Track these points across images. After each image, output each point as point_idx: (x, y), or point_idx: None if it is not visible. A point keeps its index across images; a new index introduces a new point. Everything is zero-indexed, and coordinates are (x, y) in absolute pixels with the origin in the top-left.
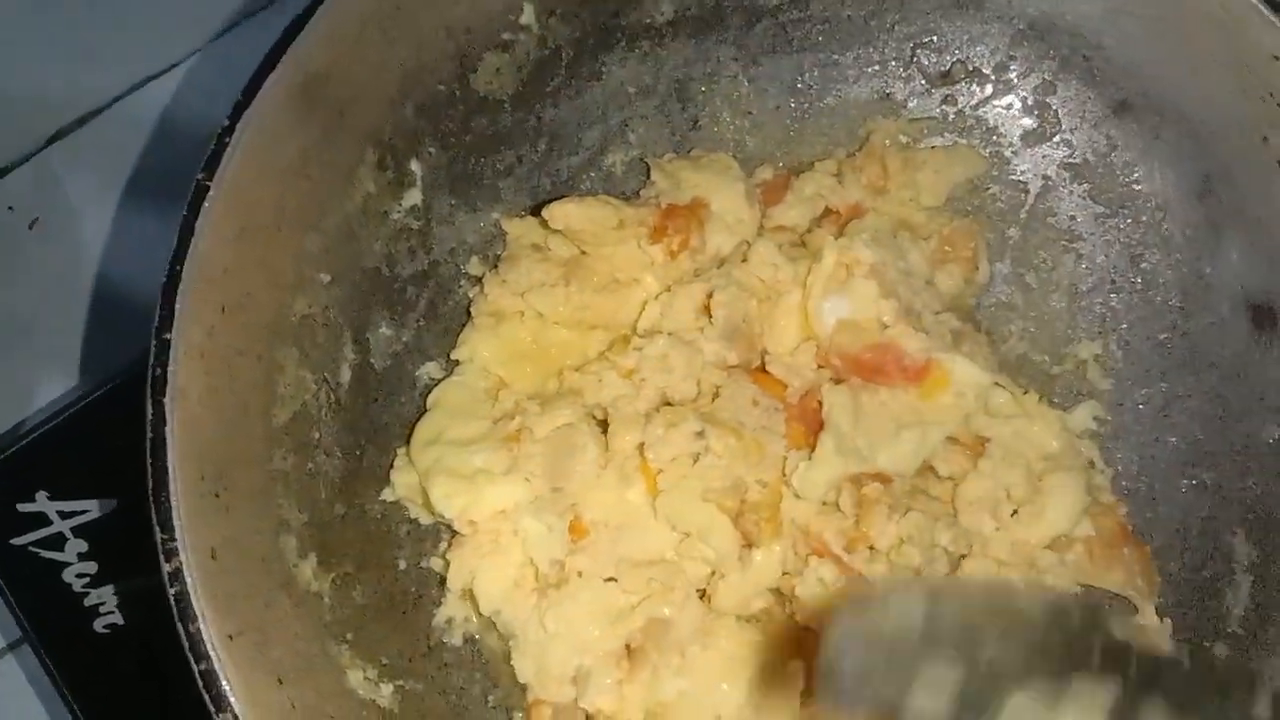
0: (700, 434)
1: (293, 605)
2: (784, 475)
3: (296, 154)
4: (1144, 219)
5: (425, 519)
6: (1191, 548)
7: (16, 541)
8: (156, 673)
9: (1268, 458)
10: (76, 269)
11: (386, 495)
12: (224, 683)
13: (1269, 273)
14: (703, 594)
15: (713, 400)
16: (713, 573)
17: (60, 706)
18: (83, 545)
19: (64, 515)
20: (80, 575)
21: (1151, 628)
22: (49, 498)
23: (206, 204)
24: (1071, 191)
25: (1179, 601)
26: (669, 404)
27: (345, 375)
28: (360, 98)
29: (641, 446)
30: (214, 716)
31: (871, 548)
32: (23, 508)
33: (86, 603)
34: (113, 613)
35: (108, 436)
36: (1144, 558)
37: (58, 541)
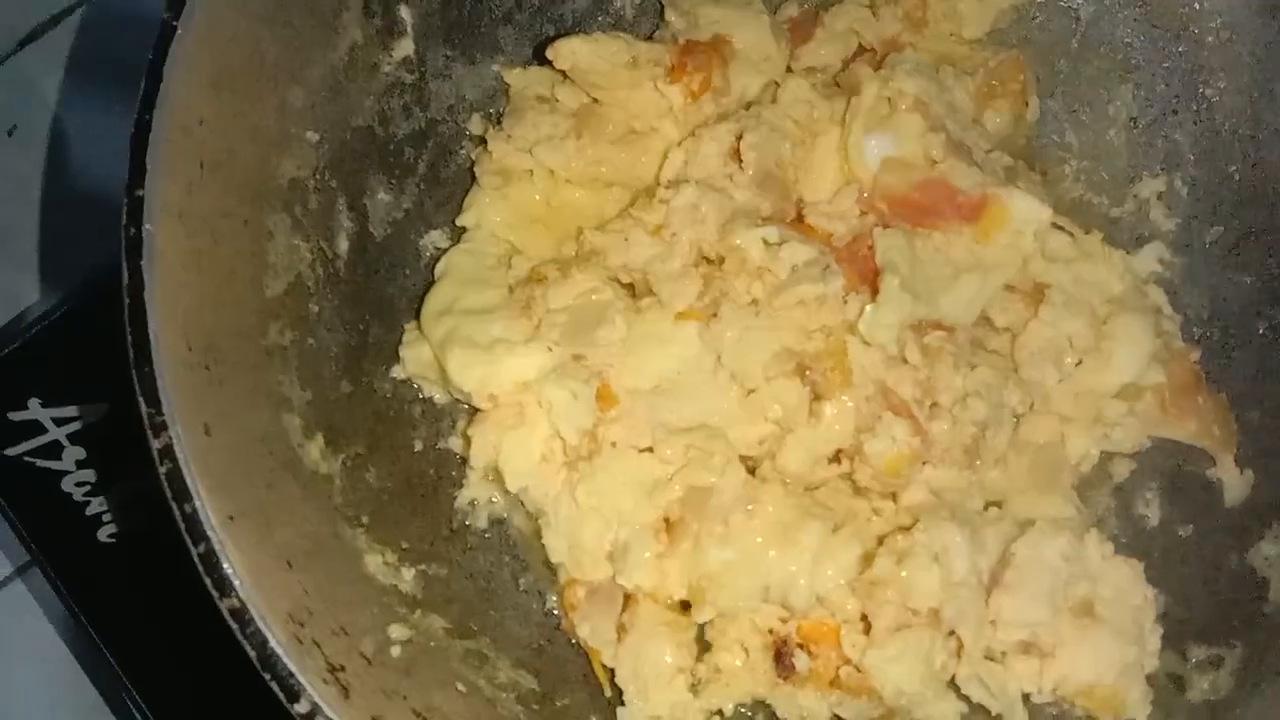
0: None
1: (299, 487)
2: (847, 323)
3: None
4: (1208, 40)
5: (440, 397)
6: (1271, 394)
7: (11, 452)
8: (166, 579)
9: None
10: (59, 173)
11: (396, 373)
12: (226, 565)
13: None
14: (751, 467)
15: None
16: (764, 440)
17: (72, 625)
18: (80, 452)
19: (59, 422)
20: (80, 484)
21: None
22: (42, 404)
23: (175, 47)
24: (1126, 15)
25: (1260, 451)
26: (707, 260)
27: (343, 245)
28: None
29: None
30: (218, 602)
31: (934, 404)
32: (15, 416)
33: (89, 512)
34: (114, 521)
35: (97, 339)
36: (1220, 406)
37: (54, 449)
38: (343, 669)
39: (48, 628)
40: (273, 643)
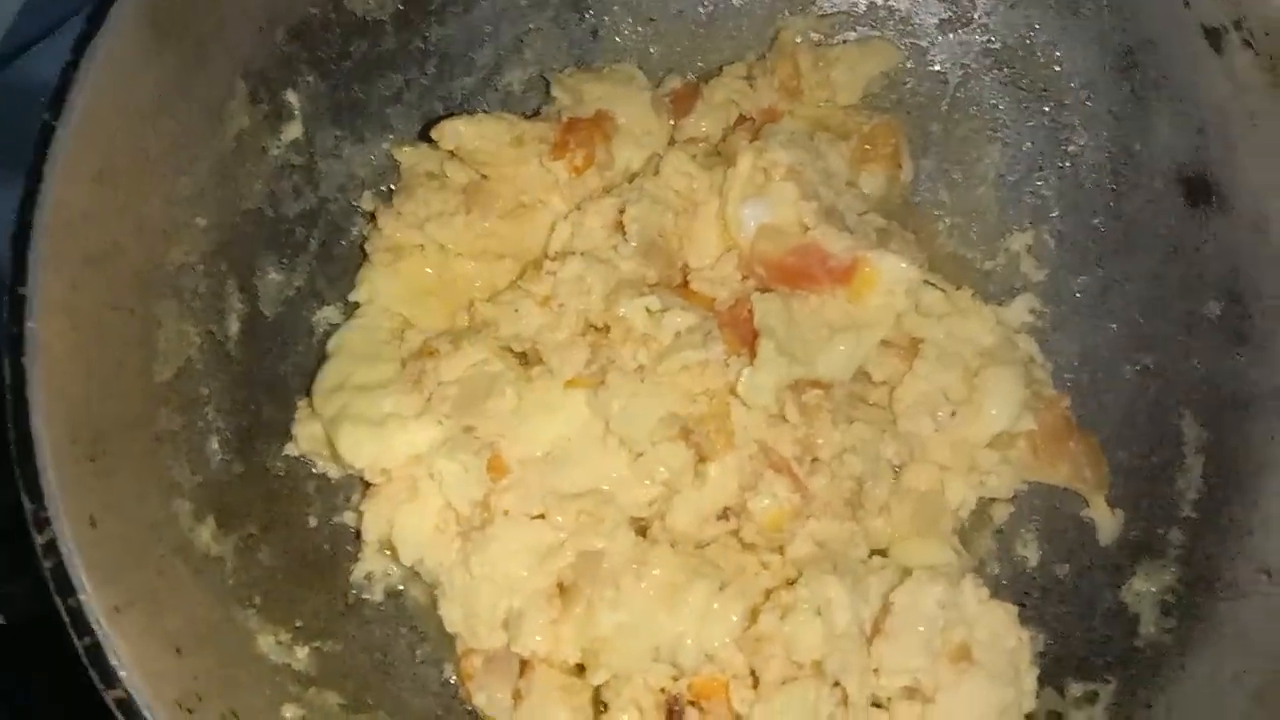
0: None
1: (190, 572)
2: (729, 385)
3: (154, 88)
4: (1068, 100)
5: (334, 472)
6: (1139, 435)
7: None
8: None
9: (1211, 334)
10: None
11: (289, 450)
12: (112, 658)
13: (1200, 142)
14: (641, 528)
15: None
16: (653, 502)
17: None
18: None
19: None
20: None
21: (1103, 520)
22: None
23: (55, 145)
24: (992, 79)
25: (1130, 491)
26: (594, 328)
27: (233, 326)
28: (223, 26)
29: (592, 357)
30: (104, 694)
31: (814, 460)
32: None
33: None
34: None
35: None
36: (1091, 449)
37: None
38: None
39: None
40: None
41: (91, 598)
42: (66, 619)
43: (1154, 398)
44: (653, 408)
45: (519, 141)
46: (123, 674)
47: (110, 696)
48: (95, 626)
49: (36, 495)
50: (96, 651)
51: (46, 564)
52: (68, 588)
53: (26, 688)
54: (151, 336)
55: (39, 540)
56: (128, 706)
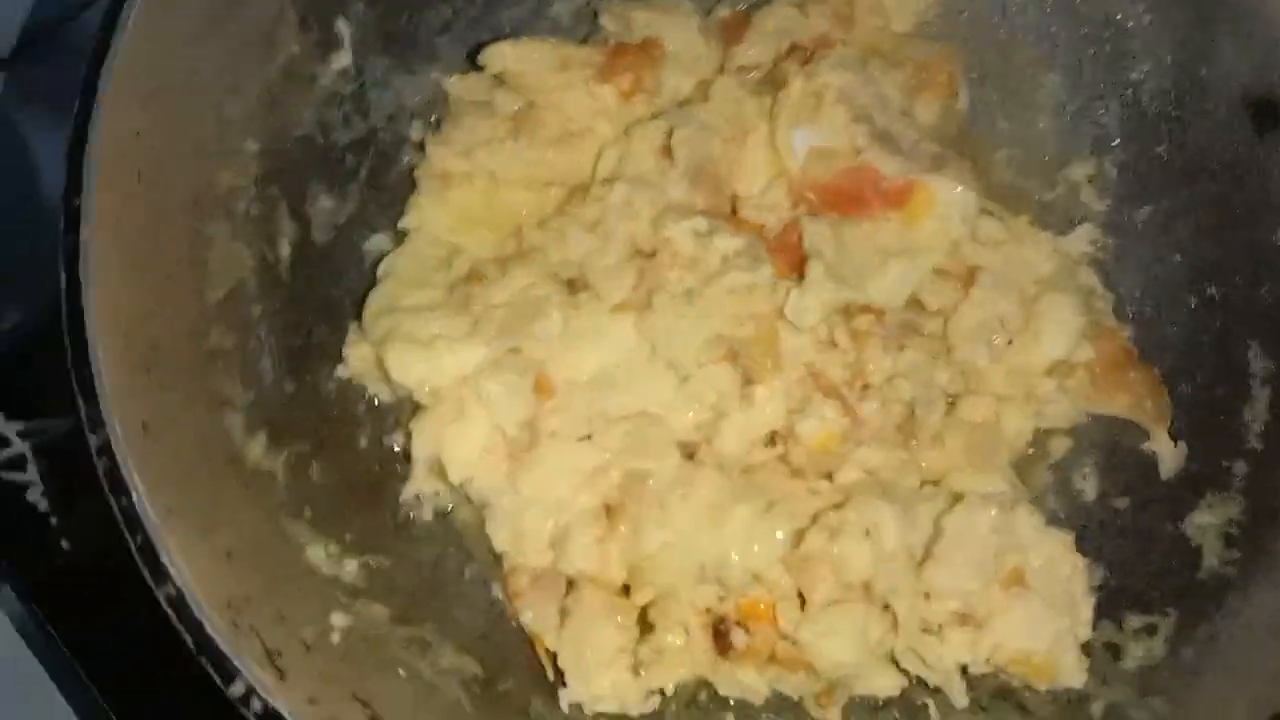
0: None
1: (241, 484)
2: (777, 309)
3: (205, 10)
4: (1130, 25)
5: (384, 395)
6: (1204, 366)
7: None
8: (130, 589)
9: (1278, 262)
10: (33, 201)
11: (341, 373)
12: (164, 556)
13: (1266, 64)
14: (689, 452)
15: None
16: (700, 426)
17: (38, 635)
18: (44, 464)
19: (23, 435)
20: (44, 494)
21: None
22: (7, 418)
23: (108, 64)
24: (1050, 5)
25: (1194, 424)
26: (641, 253)
27: (285, 250)
28: None
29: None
30: (156, 591)
31: (866, 386)
32: None
33: (52, 523)
34: (78, 531)
35: (62, 355)
36: (1152, 380)
37: (19, 462)
38: (280, 654)
39: (15, 638)
40: (209, 628)
41: (144, 498)
42: (120, 518)
43: (1219, 329)
44: (699, 330)
45: (565, 65)
46: (173, 571)
47: (162, 593)
48: (147, 525)
49: (91, 398)
50: (149, 550)
51: (100, 464)
52: (121, 488)
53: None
54: (203, 256)
55: (94, 442)
56: (178, 602)
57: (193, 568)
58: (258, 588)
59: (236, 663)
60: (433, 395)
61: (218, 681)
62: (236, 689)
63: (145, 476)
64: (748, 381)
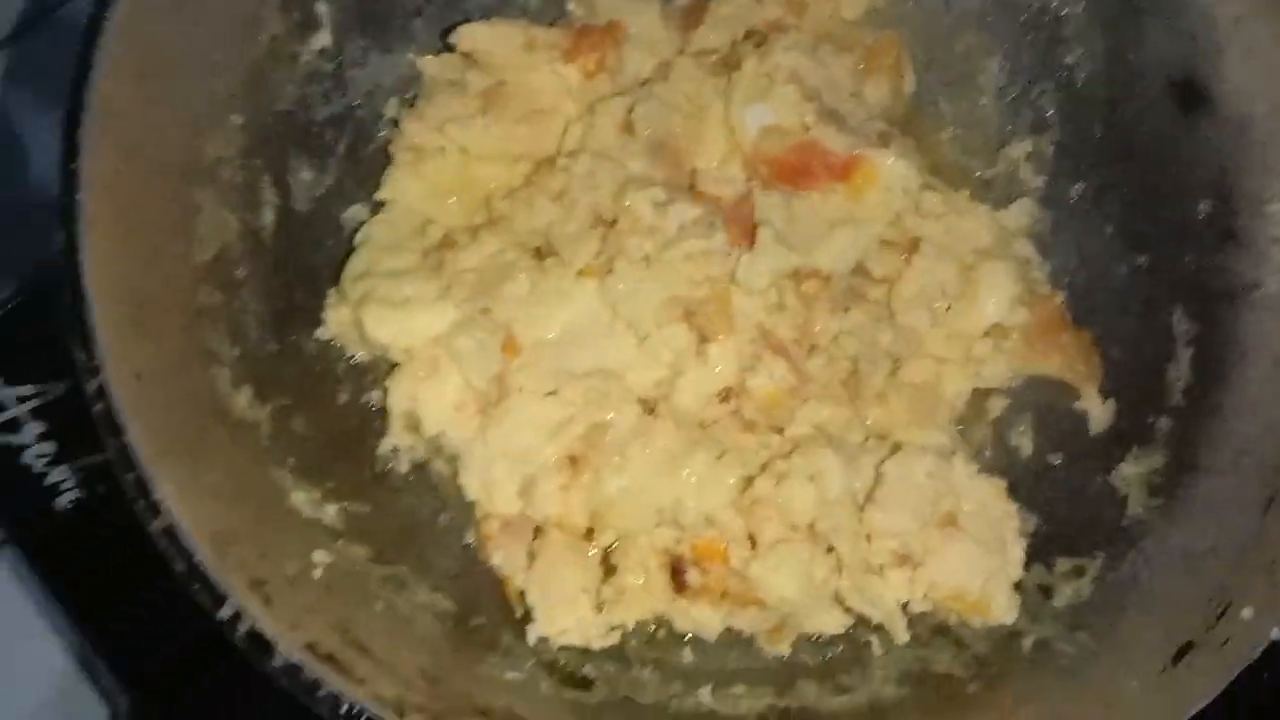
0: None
1: (228, 431)
2: (730, 273)
3: None
4: (1064, 13)
5: (362, 355)
6: (1132, 330)
7: None
8: (127, 542)
9: (1201, 233)
10: (25, 181)
11: (321, 334)
12: (156, 491)
13: (1190, 48)
14: (649, 408)
15: None
16: (659, 383)
17: (38, 590)
18: (40, 426)
19: (20, 399)
20: (40, 456)
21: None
22: (3, 383)
23: (101, 40)
24: None
25: (1122, 382)
26: (603, 222)
27: (268, 217)
28: None
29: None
30: (148, 525)
31: (813, 346)
32: None
33: (47, 481)
34: (74, 489)
35: (55, 321)
36: (1084, 342)
37: (14, 425)
38: (265, 583)
39: (15, 594)
40: (199, 557)
41: (137, 439)
42: (114, 457)
43: (1146, 295)
44: (657, 293)
45: (532, 46)
46: (166, 505)
47: (155, 526)
48: (140, 464)
49: (89, 347)
50: (143, 486)
51: (96, 407)
52: (115, 428)
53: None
54: (191, 220)
55: (89, 387)
56: (170, 534)
57: (182, 504)
58: (243, 525)
59: (225, 589)
60: (407, 354)
61: (207, 606)
62: (225, 612)
63: (137, 420)
64: (702, 340)
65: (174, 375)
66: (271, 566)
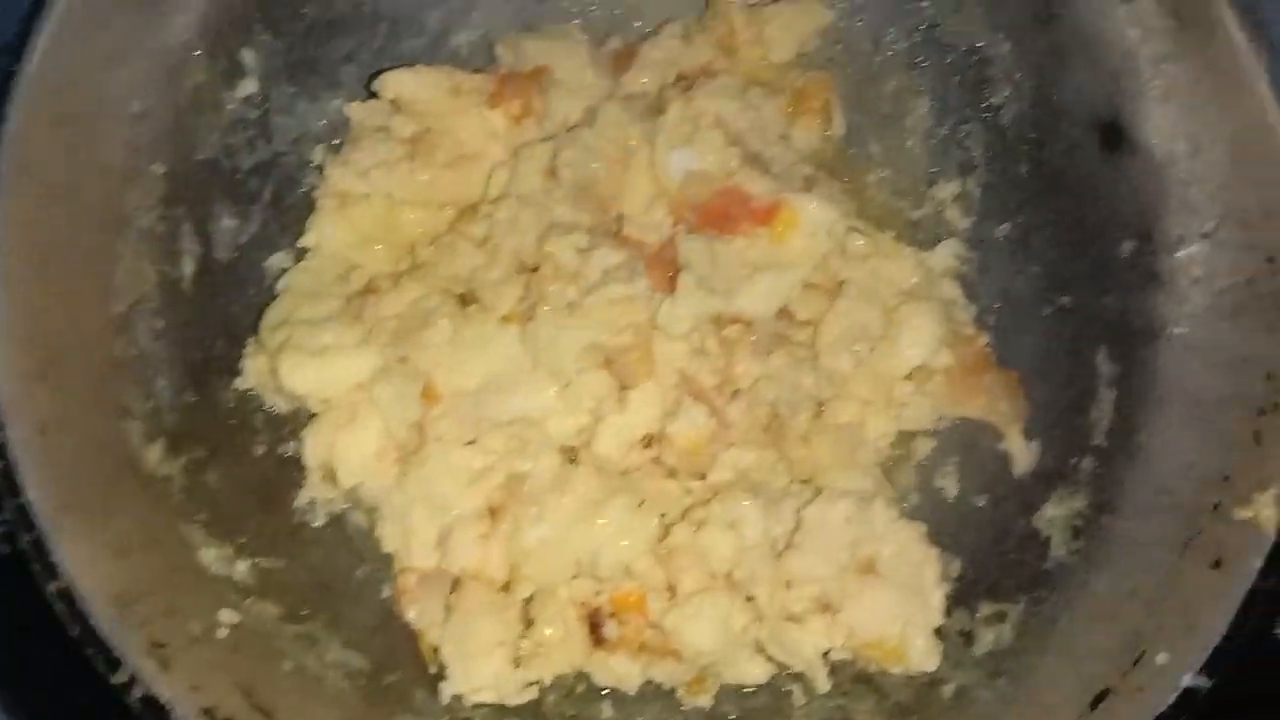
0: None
1: (138, 486)
2: (652, 319)
3: (112, 41)
4: (990, 54)
5: (282, 406)
6: (1056, 371)
7: None
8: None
9: (1124, 273)
10: None
11: (239, 384)
12: (54, 552)
13: (1113, 89)
14: (571, 457)
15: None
16: (582, 430)
17: None
18: None
19: None
20: None
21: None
22: None
23: (17, 88)
24: (918, 37)
25: (1046, 423)
26: (527, 268)
27: (188, 267)
28: None
29: (524, 294)
30: (45, 587)
31: (735, 391)
32: None
33: None
34: None
35: None
36: (1007, 384)
37: None
38: (165, 646)
39: None
40: (95, 620)
41: (38, 497)
42: (13, 517)
43: (1071, 335)
44: (578, 339)
45: (457, 92)
46: (63, 567)
47: (52, 587)
48: (40, 523)
49: None
50: (41, 546)
51: None
52: (15, 488)
53: None
54: (108, 271)
55: None
56: (67, 596)
57: (83, 563)
58: (148, 584)
59: (120, 653)
60: (324, 403)
61: (102, 670)
62: (119, 677)
63: (40, 476)
64: (623, 387)
65: (83, 428)
66: (175, 626)
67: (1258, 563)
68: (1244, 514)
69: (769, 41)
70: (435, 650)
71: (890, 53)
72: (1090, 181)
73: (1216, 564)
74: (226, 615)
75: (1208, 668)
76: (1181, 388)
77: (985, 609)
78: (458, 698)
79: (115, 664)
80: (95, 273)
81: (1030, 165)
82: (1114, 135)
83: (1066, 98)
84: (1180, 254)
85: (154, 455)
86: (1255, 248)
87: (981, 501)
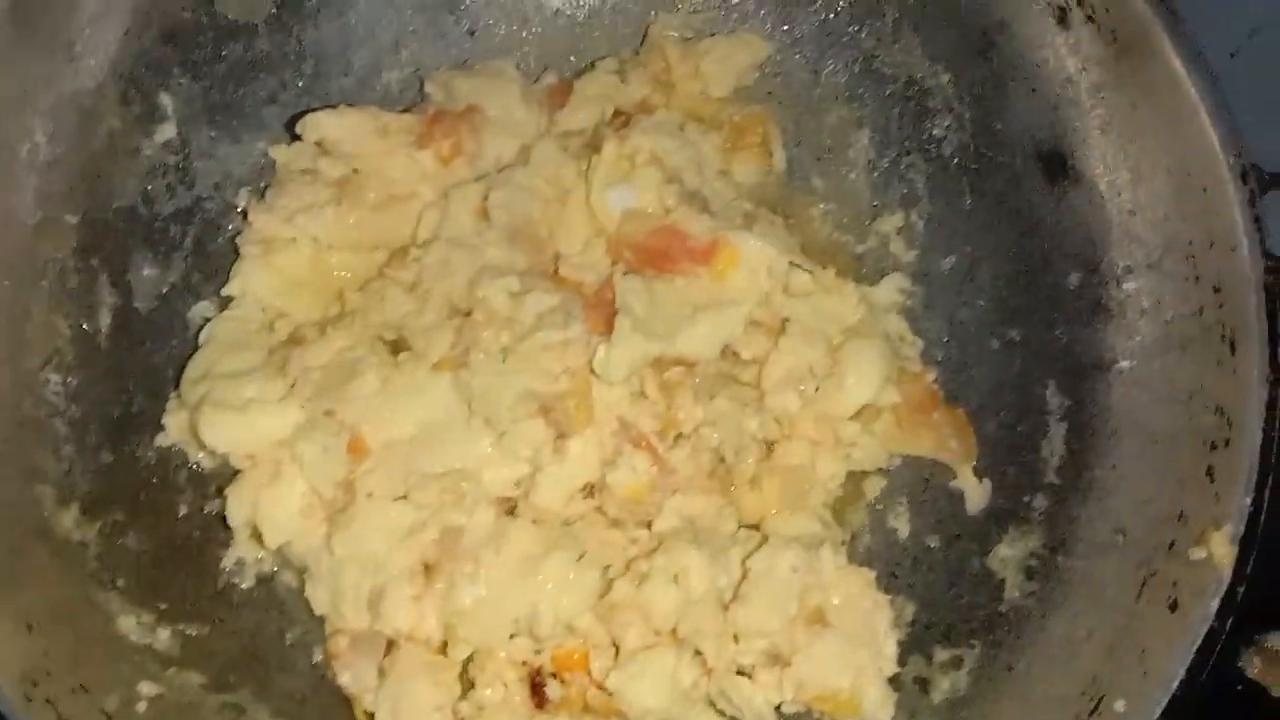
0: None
1: (49, 553)
2: (590, 364)
3: (18, 86)
4: (930, 84)
5: (206, 462)
6: (1006, 406)
7: None
8: None
9: (1071, 304)
10: None
11: (160, 440)
12: None
13: (1054, 118)
14: (509, 508)
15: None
16: (519, 481)
17: None
18: None
19: None
20: None
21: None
22: None
23: None
24: (857, 69)
25: (998, 460)
26: (459, 312)
27: (105, 319)
28: (90, 27)
29: (457, 340)
30: None
31: (679, 435)
32: None
33: None
34: None
35: None
36: (957, 420)
37: None
38: None
39: None
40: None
41: None
42: None
43: (1019, 369)
44: (513, 386)
45: (384, 133)
46: None
47: None
48: None
49: None
50: None
51: None
52: None
53: None
54: (19, 327)
55: None
56: None
57: None
58: (59, 659)
59: None
60: (248, 460)
61: None
62: None
63: None
64: (561, 435)
65: None
66: (89, 703)
67: (1214, 604)
68: (1199, 553)
69: (706, 76)
70: (370, 717)
71: (829, 85)
72: (1035, 212)
73: (1173, 606)
74: (146, 688)
75: (1166, 715)
76: (1133, 421)
77: (941, 654)
78: None
79: None
80: (5, 330)
81: (974, 196)
82: (1056, 165)
83: (1008, 128)
84: (1127, 285)
85: (67, 520)
86: (1201, 278)
87: (934, 542)
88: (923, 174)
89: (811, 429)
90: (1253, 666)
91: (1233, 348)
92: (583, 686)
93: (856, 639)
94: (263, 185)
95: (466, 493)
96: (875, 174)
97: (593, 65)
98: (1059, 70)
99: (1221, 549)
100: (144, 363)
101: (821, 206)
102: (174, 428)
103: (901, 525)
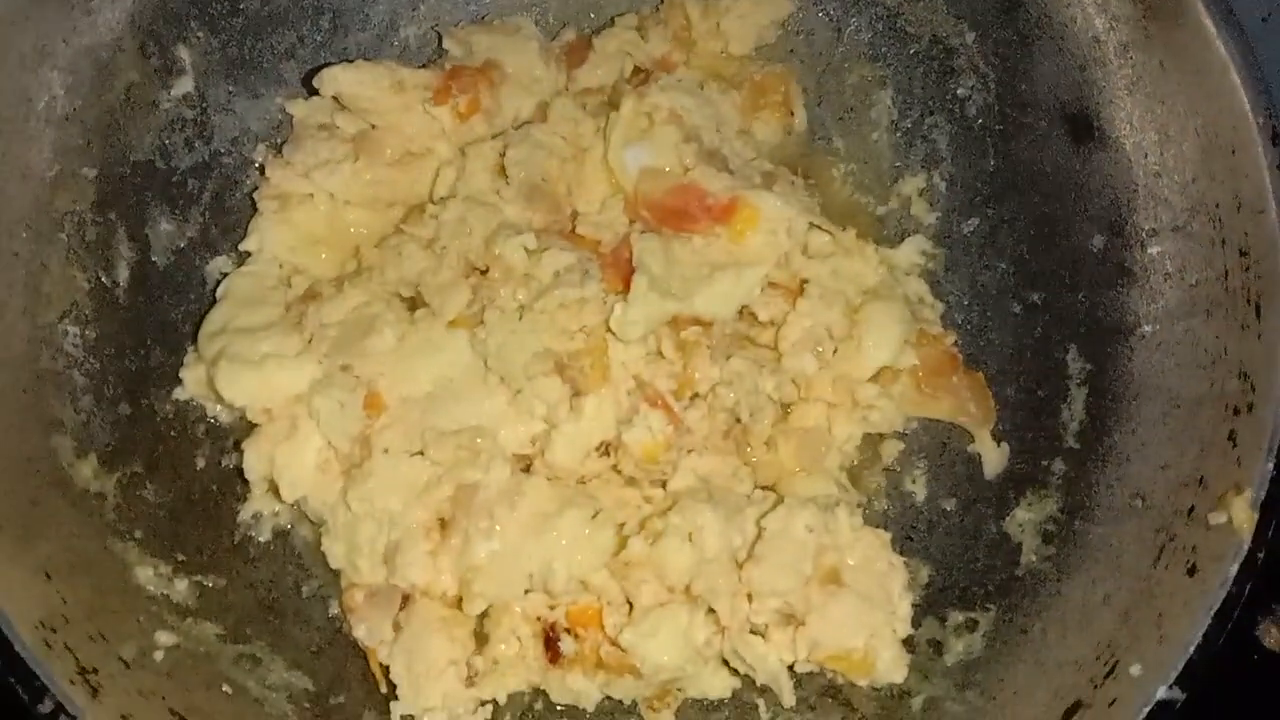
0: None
1: (68, 504)
2: (606, 322)
3: (35, 39)
4: (955, 44)
5: (224, 416)
6: (1027, 369)
7: None
8: None
9: (1094, 268)
10: None
11: (178, 394)
12: None
13: (1080, 79)
14: (525, 465)
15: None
16: (535, 439)
17: None
18: None
19: None
20: None
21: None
22: None
23: None
24: (881, 27)
25: (1017, 424)
26: (476, 270)
27: (123, 273)
28: None
29: (473, 298)
30: None
31: (695, 395)
32: None
33: None
34: None
35: None
36: (976, 384)
37: None
38: (95, 672)
39: None
40: (18, 647)
41: None
42: None
43: (1041, 333)
44: (529, 344)
45: (400, 88)
46: None
47: None
48: None
49: None
50: None
51: None
52: None
53: None
54: (36, 280)
55: None
56: None
57: (5, 588)
58: (77, 607)
59: (45, 681)
60: (265, 414)
61: (26, 701)
62: (44, 707)
63: None
64: (576, 393)
65: (8, 446)
66: (106, 651)
67: (1233, 569)
68: (1218, 518)
69: (727, 34)
70: (384, 669)
71: (853, 43)
72: (1059, 174)
73: (1191, 570)
74: (163, 637)
75: (1181, 680)
76: (1154, 386)
77: (955, 617)
78: (408, 718)
79: (39, 694)
80: (23, 283)
81: (998, 158)
82: (1082, 126)
83: (1033, 88)
84: (1152, 248)
85: (86, 471)
86: (1228, 241)
87: (951, 505)
88: (946, 135)
89: (829, 391)
90: (1269, 636)
91: (1258, 311)
92: (596, 642)
93: (871, 600)
94: (280, 141)
95: (482, 449)
96: (898, 134)
97: (612, 22)
98: (1086, 29)
99: (1242, 514)
100: (162, 317)
101: (843, 167)
102: (191, 382)
103: (918, 489)
